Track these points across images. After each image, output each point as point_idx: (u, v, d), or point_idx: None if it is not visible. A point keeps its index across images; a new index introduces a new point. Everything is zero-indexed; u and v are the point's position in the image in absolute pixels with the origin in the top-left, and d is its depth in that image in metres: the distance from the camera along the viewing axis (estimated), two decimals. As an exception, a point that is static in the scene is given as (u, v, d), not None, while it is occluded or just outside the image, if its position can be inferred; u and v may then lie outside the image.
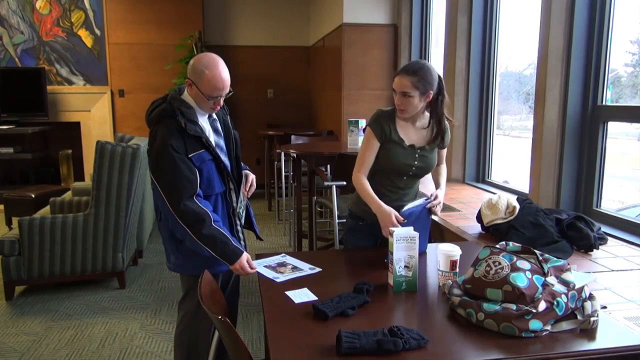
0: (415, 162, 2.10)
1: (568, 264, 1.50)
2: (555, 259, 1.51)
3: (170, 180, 1.89)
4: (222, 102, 2.01)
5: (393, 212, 1.96)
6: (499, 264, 1.45)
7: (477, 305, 1.40)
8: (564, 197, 2.65)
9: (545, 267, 1.44)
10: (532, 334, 1.33)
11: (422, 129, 2.12)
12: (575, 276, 1.46)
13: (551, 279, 1.42)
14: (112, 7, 6.21)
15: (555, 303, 1.36)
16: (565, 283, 1.43)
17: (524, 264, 1.43)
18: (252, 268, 1.94)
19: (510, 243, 1.55)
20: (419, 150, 2.10)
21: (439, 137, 2.11)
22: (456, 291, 1.52)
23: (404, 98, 2.00)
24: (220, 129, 2.13)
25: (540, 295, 1.37)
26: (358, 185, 2.11)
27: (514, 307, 1.35)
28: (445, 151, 2.28)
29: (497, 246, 1.53)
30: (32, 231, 3.38)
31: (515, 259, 1.45)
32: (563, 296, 1.38)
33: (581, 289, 1.43)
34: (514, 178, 3.46)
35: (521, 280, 1.38)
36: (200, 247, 1.91)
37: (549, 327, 1.35)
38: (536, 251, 1.48)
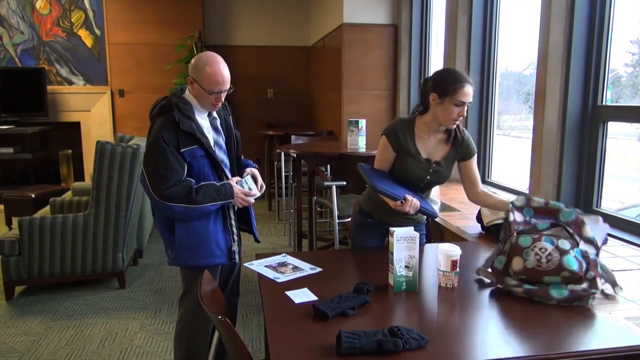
0: (428, 177, 2.06)
1: (580, 216, 1.60)
2: (565, 209, 1.62)
3: (158, 170, 1.94)
4: (222, 99, 2.05)
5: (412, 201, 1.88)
6: (545, 250, 1.51)
7: (545, 292, 1.49)
8: (564, 197, 2.65)
9: (577, 238, 1.54)
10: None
11: (440, 142, 2.06)
12: (590, 230, 1.58)
13: (583, 246, 1.53)
14: (112, 7, 6.21)
15: (599, 268, 1.52)
16: (589, 241, 1.53)
17: (564, 244, 1.51)
18: (247, 195, 2.07)
19: (539, 222, 1.62)
20: (434, 165, 2.05)
21: (457, 146, 2.05)
22: (512, 282, 1.57)
23: (465, 107, 1.94)
24: (221, 128, 2.15)
25: (592, 273, 1.50)
26: None
27: (579, 287, 1.47)
28: (475, 169, 2.10)
29: (528, 226, 1.62)
30: (32, 231, 3.38)
31: (555, 241, 1.53)
32: (599, 265, 1.53)
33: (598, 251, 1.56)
34: (513, 178, 3.46)
35: (572, 262, 1.48)
36: (205, 209, 1.98)
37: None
38: (561, 222, 1.59)
